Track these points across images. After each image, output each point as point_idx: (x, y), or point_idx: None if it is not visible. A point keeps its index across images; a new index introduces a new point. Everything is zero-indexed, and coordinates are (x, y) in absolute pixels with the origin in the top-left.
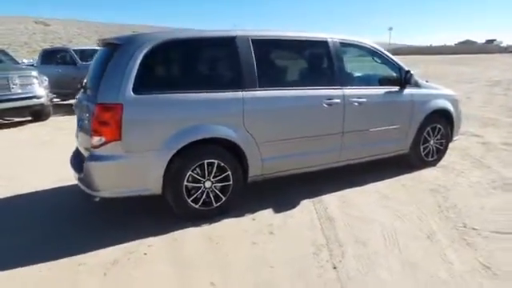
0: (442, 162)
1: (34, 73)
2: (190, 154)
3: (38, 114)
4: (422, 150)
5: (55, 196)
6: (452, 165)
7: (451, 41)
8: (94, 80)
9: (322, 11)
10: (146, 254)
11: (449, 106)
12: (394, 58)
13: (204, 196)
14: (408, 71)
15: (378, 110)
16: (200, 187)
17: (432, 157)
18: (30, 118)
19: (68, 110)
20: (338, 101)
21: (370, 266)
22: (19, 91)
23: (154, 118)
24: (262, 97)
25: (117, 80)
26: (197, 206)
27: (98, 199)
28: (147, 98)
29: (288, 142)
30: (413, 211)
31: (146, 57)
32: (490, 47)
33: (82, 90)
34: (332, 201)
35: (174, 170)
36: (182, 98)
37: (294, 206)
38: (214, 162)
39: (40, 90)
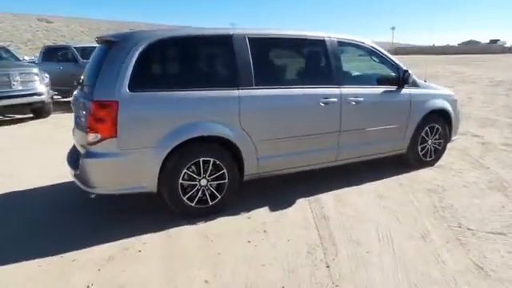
0: (440, 162)
1: (35, 70)
2: (186, 152)
3: (38, 111)
4: (419, 149)
5: (53, 193)
6: (450, 165)
7: (455, 41)
8: (90, 77)
9: (323, 11)
10: (140, 251)
11: (447, 105)
12: (392, 57)
13: (200, 194)
14: (406, 71)
15: (376, 109)
16: (195, 185)
17: (430, 157)
18: (31, 115)
19: (69, 108)
20: (335, 100)
21: (363, 265)
22: (20, 88)
23: (149, 115)
24: (258, 95)
25: (113, 77)
26: (192, 204)
27: (93, 196)
28: (143, 95)
29: (284, 140)
30: (408, 211)
31: (142, 54)
32: (493, 47)
33: (79, 88)
34: (328, 200)
35: (169, 168)
36: (177, 95)
37: (289, 205)
38: (209, 160)
39: (41, 86)
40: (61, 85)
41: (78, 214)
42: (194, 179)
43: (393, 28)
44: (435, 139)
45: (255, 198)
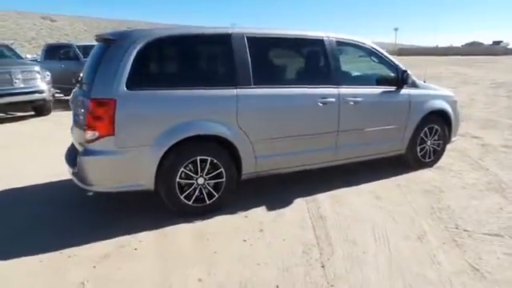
0: (439, 163)
1: (37, 68)
2: (183, 151)
3: (40, 108)
4: (418, 150)
5: (51, 190)
6: (449, 166)
7: (458, 42)
8: (89, 75)
9: (326, 12)
10: (136, 249)
11: (447, 106)
12: (391, 57)
13: (197, 193)
14: (405, 71)
15: (374, 109)
16: (193, 184)
17: (429, 158)
18: (32, 113)
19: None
20: (333, 100)
21: (358, 265)
22: (22, 86)
23: (147, 113)
24: (256, 94)
25: (111, 75)
26: (190, 203)
27: (91, 193)
28: (141, 93)
29: (282, 140)
30: (406, 212)
31: (140, 53)
32: (496, 49)
33: (78, 85)
34: (325, 200)
35: (166, 166)
36: (175, 94)
37: (287, 205)
38: (206, 159)
39: (42, 84)
40: (62, 83)
41: (75, 212)
42: (191, 178)
43: (396, 29)
44: (434, 140)
45: (253, 197)
